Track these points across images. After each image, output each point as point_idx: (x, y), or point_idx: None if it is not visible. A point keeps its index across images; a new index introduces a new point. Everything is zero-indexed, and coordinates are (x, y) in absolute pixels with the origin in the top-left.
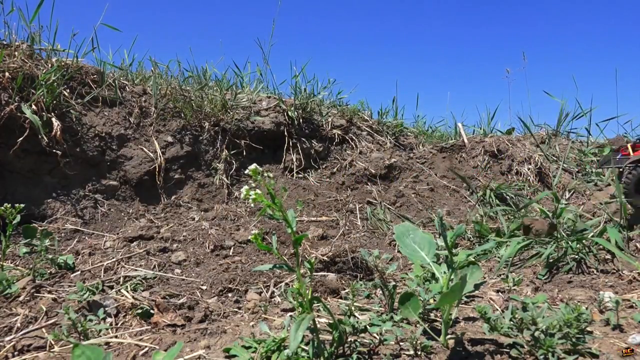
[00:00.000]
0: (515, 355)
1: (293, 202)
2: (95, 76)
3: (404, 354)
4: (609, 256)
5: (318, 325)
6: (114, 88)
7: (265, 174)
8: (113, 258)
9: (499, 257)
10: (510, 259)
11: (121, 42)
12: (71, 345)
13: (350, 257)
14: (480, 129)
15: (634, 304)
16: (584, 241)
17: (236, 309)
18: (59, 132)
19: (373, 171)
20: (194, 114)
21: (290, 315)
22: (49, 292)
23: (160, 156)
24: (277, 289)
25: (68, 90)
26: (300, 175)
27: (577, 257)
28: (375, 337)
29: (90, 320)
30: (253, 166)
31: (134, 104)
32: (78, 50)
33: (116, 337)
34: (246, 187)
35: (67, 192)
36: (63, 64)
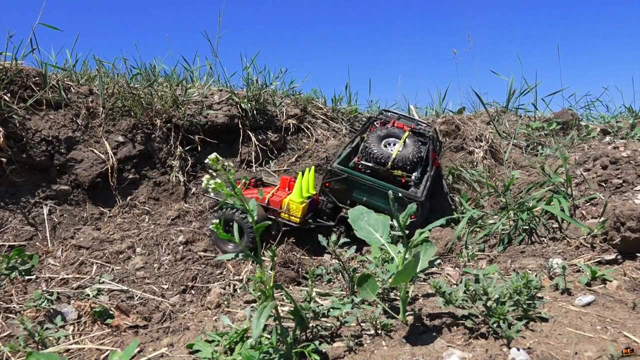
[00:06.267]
0: (470, 325)
1: None
2: (37, 78)
3: (365, 333)
4: (557, 225)
5: (281, 314)
6: (58, 90)
7: (226, 163)
8: (69, 265)
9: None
10: (464, 233)
11: (63, 42)
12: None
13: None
14: (433, 110)
15: (580, 268)
16: (533, 211)
17: (199, 306)
18: (2, 139)
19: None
20: (144, 111)
21: (252, 306)
22: (5, 302)
23: (112, 157)
24: (239, 282)
25: (9, 95)
26: (258, 168)
27: (528, 227)
28: (336, 320)
29: (48, 329)
30: (213, 155)
31: (81, 105)
32: (16, 53)
33: (77, 343)
34: (207, 175)
35: (16, 200)
36: (1, 67)
